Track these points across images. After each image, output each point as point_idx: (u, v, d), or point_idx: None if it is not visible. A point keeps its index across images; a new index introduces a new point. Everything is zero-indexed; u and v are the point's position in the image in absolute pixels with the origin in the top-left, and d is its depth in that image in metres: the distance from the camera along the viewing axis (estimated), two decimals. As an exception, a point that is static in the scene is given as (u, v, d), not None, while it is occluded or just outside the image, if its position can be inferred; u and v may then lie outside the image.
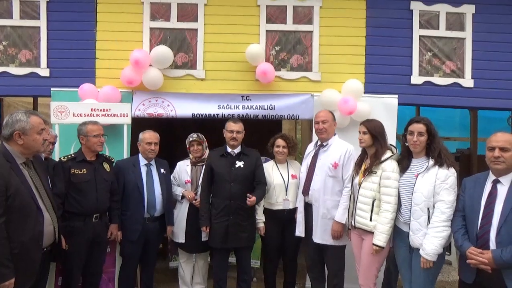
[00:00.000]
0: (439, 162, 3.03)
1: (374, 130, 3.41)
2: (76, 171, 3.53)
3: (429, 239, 2.95)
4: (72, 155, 3.66)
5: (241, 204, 3.83)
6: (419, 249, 3.02)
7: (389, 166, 3.26)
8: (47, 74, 4.86)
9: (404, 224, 3.18)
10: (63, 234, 3.33)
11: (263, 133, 4.46)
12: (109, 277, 4.12)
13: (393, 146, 3.46)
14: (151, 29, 4.93)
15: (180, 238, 4.13)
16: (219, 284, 3.96)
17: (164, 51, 4.71)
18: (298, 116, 4.87)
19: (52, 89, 4.73)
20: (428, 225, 2.99)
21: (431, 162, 3.06)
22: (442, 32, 5.01)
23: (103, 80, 4.81)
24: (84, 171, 3.56)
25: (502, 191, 2.70)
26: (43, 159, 3.55)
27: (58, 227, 2.87)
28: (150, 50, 4.82)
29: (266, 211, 4.09)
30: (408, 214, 3.12)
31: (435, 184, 2.99)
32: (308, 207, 3.89)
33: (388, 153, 3.36)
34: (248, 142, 4.15)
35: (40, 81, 4.86)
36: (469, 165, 7.20)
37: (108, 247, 3.96)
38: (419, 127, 3.12)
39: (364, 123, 3.52)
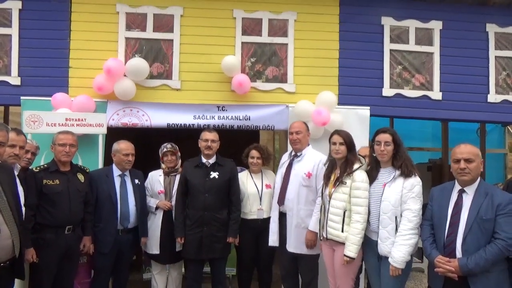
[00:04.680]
0: (405, 173, 3.10)
1: (349, 140, 3.44)
2: (48, 182, 3.45)
3: (397, 247, 3.01)
4: (45, 165, 3.57)
5: (216, 215, 3.84)
6: (387, 257, 3.08)
7: (359, 177, 3.29)
8: (18, 83, 4.76)
9: (372, 232, 3.24)
10: (34, 246, 3.25)
11: (241, 144, 4.48)
12: (83, 288, 4.02)
13: (362, 156, 3.50)
14: (127, 38, 4.91)
15: (154, 249, 4.07)
16: (193, 295, 3.93)
17: (139, 63, 4.69)
18: (274, 126, 4.93)
19: (22, 97, 4.64)
20: (396, 233, 3.06)
21: (398, 172, 3.14)
22: (411, 46, 5.19)
23: (77, 89, 4.75)
24: (57, 181, 3.48)
25: (467, 200, 2.80)
26: (21, 169, 3.47)
27: (20, 241, 2.74)
28: (126, 59, 4.81)
29: (240, 221, 4.09)
30: (376, 223, 3.18)
31: (402, 193, 3.06)
32: (282, 216, 3.91)
33: (357, 164, 3.38)
34: (225, 153, 4.17)
35: (10, 90, 4.76)
36: (441, 174, 7.41)
37: (84, 257, 3.88)
38: (385, 137, 3.20)
39: (339, 134, 3.47)
